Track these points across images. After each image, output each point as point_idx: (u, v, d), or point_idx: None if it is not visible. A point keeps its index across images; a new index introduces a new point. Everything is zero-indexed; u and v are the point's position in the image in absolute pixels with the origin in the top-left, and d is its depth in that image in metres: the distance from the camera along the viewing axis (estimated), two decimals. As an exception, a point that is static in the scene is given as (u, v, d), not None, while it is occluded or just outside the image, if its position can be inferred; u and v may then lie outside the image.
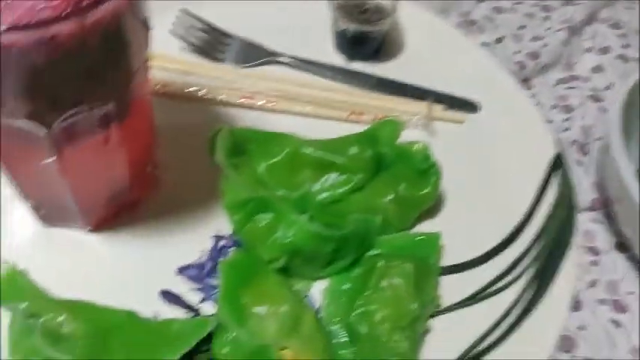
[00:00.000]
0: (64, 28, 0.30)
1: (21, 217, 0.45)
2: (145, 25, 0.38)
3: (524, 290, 0.45)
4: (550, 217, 0.49)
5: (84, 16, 0.31)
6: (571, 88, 0.58)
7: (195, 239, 0.45)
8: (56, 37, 0.30)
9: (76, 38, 0.31)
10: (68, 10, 0.30)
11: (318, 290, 0.44)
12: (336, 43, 0.57)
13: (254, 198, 0.42)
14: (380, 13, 0.55)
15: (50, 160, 0.37)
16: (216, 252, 0.45)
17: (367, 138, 0.48)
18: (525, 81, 0.59)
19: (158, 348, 0.38)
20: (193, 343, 0.38)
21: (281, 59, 0.56)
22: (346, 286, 0.44)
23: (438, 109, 0.54)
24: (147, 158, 0.46)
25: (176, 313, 0.43)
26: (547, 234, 0.48)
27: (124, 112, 0.38)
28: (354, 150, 0.47)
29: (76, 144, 0.37)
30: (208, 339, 0.40)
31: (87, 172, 0.41)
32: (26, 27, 0.30)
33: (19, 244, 0.44)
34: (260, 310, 0.40)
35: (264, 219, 0.43)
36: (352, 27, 0.54)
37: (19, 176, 0.41)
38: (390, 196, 0.46)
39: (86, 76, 0.34)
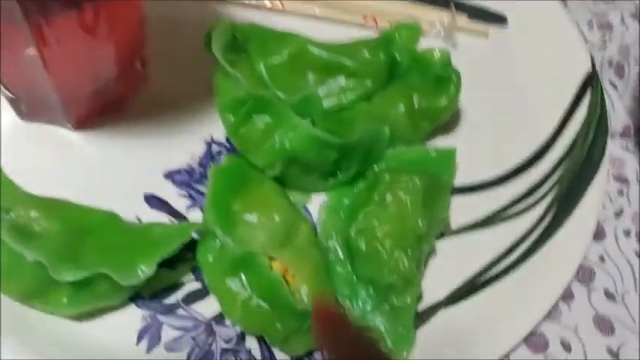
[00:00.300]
0: None
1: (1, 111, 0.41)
2: None
3: (543, 215, 0.41)
4: (578, 139, 0.44)
5: None
6: (610, 2, 0.52)
7: (185, 142, 0.42)
8: None
9: None
10: None
11: (316, 205, 0.41)
12: None
13: (251, 97, 0.38)
14: None
15: (29, 48, 0.33)
16: (208, 157, 0.41)
17: (381, 42, 0.43)
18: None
19: (136, 252, 0.35)
20: (174, 248, 0.35)
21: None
22: (347, 201, 0.40)
23: (462, 19, 0.49)
24: (135, 52, 0.41)
25: (161, 219, 0.39)
26: (573, 156, 0.43)
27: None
28: (365, 54, 0.42)
29: (58, 28, 0.33)
30: (193, 247, 0.37)
31: (70, 63, 0.36)
32: None
33: (-5, 137, 0.41)
34: (251, 217, 0.37)
35: (261, 121, 0.39)
36: None
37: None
38: (402, 106, 0.42)
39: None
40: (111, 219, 0.37)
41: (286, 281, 0.35)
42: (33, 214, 0.36)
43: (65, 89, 0.38)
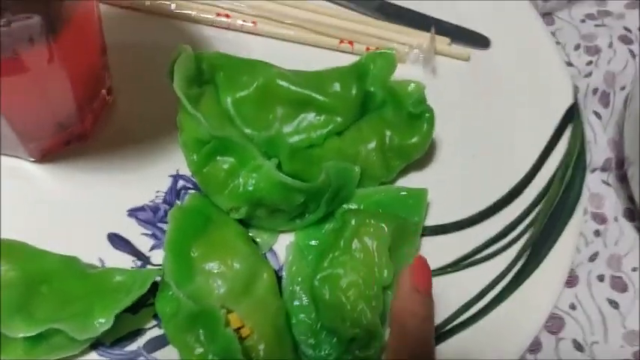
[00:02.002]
0: None
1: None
2: None
3: (516, 259, 0.40)
4: (555, 178, 0.43)
5: None
6: (600, 26, 0.50)
7: (150, 177, 0.40)
8: None
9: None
10: None
11: (282, 243, 0.40)
12: None
13: (214, 138, 0.37)
14: None
15: None
16: (174, 194, 0.40)
17: (355, 73, 0.41)
18: (547, 15, 0.51)
19: (94, 302, 0.34)
20: (132, 300, 0.34)
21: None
22: (314, 243, 0.39)
23: (443, 42, 0.47)
24: (96, 83, 0.40)
25: (124, 259, 0.38)
26: (550, 196, 0.42)
27: (57, 26, 0.32)
28: (336, 87, 0.40)
29: (5, 64, 0.32)
30: (156, 290, 0.36)
31: (23, 99, 0.35)
32: None
33: (-48, 170, 0.39)
34: (211, 266, 0.36)
35: (224, 161, 0.38)
36: None
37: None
38: (373, 143, 0.40)
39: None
40: (70, 264, 0.36)
41: (243, 337, 0.34)
42: (-13, 260, 0.35)
43: (21, 125, 0.37)
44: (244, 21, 0.45)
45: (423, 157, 0.42)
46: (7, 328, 0.32)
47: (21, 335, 0.32)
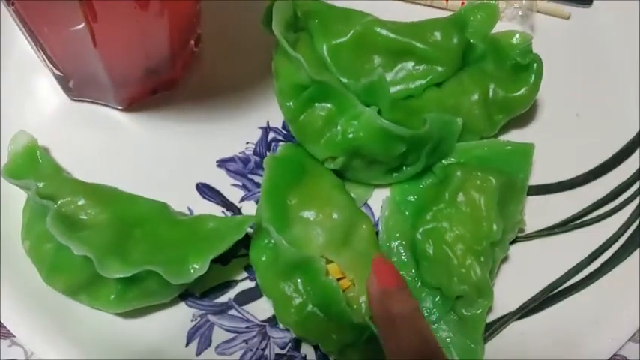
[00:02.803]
0: None
1: (47, 86, 0.39)
2: None
3: (628, 223, 0.38)
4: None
5: None
6: None
7: (240, 129, 0.39)
8: None
9: None
10: None
11: (377, 199, 0.38)
12: None
13: (314, 82, 0.35)
14: None
15: (79, 24, 0.31)
16: (264, 145, 0.39)
17: (455, 24, 0.39)
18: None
19: (188, 248, 0.32)
20: (226, 246, 0.32)
21: None
22: (412, 199, 0.37)
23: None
24: (190, 29, 0.39)
25: (213, 210, 0.37)
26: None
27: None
28: (437, 36, 0.38)
29: (110, 8, 0.30)
30: (247, 242, 0.35)
31: (122, 41, 0.34)
32: None
33: (42, 116, 0.38)
34: (308, 215, 0.34)
35: (322, 108, 0.36)
36: None
37: (46, 40, 0.34)
38: (476, 95, 0.38)
39: None
40: (161, 210, 0.35)
41: (343, 289, 0.32)
42: (81, 202, 0.34)
43: (115, 68, 0.36)
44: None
45: (524, 114, 0.40)
46: (104, 268, 0.30)
47: (117, 276, 0.30)
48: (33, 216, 0.34)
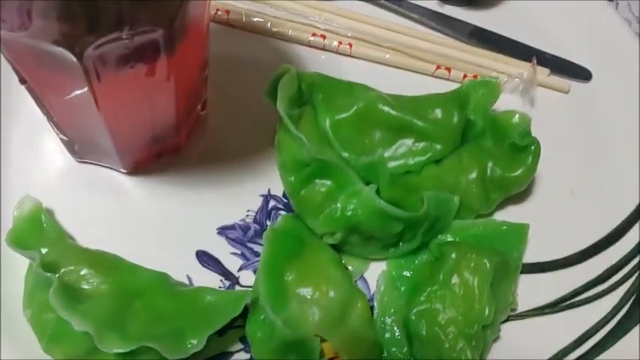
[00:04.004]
0: None
1: (53, 147, 0.40)
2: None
3: (620, 304, 0.38)
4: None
5: None
6: None
7: (241, 196, 0.40)
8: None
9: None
10: None
11: (373, 272, 0.38)
12: None
13: (314, 160, 0.36)
14: None
15: (83, 90, 0.31)
16: (265, 214, 0.39)
17: (455, 100, 0.40)
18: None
19: (186, 322, 0.33)
20: (224, 322, 0.33)
21: (365, -7, 0.48)
22: (408, 274, 0.38)
23: (542, 73, 0.45)
24: (197, 97, 0.40)
25: (211, 277, 0.37)
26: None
27: (174, 41, 0.31)
28: (437, 113, 0.39)
29: (115, 75, 0.31)
30: (244, 313, 0.35)
31: (127, 109, 0.35)
32: None
33: (48, 177, 0.39)
34: (305, 292, 0.35)
35: (323, 185, 0.37)
36: None
37: (51, 105, 0.35)
38: (474, 174, 0.39)
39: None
40: (161, 280, 0.35)
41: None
42: (83, 271, 0.34)
43: (120, 135, 0.36)
44: (340, 43, 0.44)
45: (523, 189, 0.40)
46: (103, 343, 0.31)
47: (115, 351, 0.31)
48: (35, 284, 0.34)
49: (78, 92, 0.32)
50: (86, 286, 0.34)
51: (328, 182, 0.36)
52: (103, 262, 0.35)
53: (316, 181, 0.37)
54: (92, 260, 0.35)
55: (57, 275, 0.33)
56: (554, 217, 0.41)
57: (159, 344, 0.32)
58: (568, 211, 0.41)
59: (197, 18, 0.33)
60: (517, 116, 0.39)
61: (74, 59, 0.29)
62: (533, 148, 0.38)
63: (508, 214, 0.40)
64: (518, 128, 0.39)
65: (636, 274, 0.39)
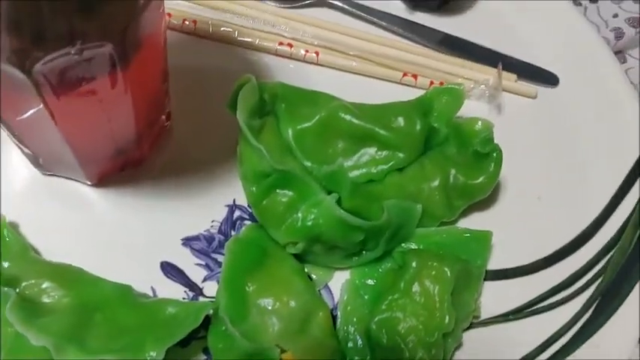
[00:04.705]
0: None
1: (18, 159, 0.40)
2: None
3: (582, 310, 0.38)
4: (628, 224, 0.41)
5: None
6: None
7: (206, 206, 0.40)
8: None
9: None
10: None
11: (337, 281, 0.38)
12: None
13: (275, 171, 0.36)
14: None
15: (39, 107, 0.32)
16: (230, 224, 0.40)
17: (419, 108, 0.40)
18: (618, 53, 0.50)
19: (146, 334, 0.33)
20: (183, 334, 0.33)
21: (332, 1, 0.48)
22: (371, 282, 0.38)
23: (509, 79, 0.45)
24: (159, 108, 0.40)
25: (176, 289, 0.38)
26: (622, 244, 0.40)
27: (128, 55, 0.32)
28: (400, 122, 0.39)
29: (69, 90, 0.31)
30: (207, 323, 0.35)
31: (85, 123, 0.35)
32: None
33: (13, 189, 0.39)
34: (265, 302, 0.35)
35: (284, 195, 0.37)
36: None
37: (11, 121, 0.35)
38: (436, 182, 0.39)
39: (76, 11, 0.27)
40: (123, 293, 0.36)
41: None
42: (45, 284, 0.34)
43: (81, 149, 0.36)
44: (307, 51, 0.45)
45: (486, 196, 0.40)
46: (60, 356, 0.31)
47: (73, 364, 0.31)
48: (-2, 298, 0.34)
49: (34, 109, 0.32)
50: (47, 300, 0.34)
51: (289, 192, 0.37)
52: (65, 275, 0.35)
53: (278, 191, 0.37)
54: (54, 273, 0.35)
55: (17, 289, 0.34)
56: (519, 223, 0.41)
57: (118, 357, 0.32)
58: (533, 217, 0.41)
59: (152, 31, 0.33)
60: (480, 123, 0.39)
61: (25, 76, 0.29)
62: (495, 155, 0.38)
63: (474, 221, 0.41)
64: (480, 135, 0.39)
65: (600, 279, 0.39)
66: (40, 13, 0.26)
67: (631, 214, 0.41)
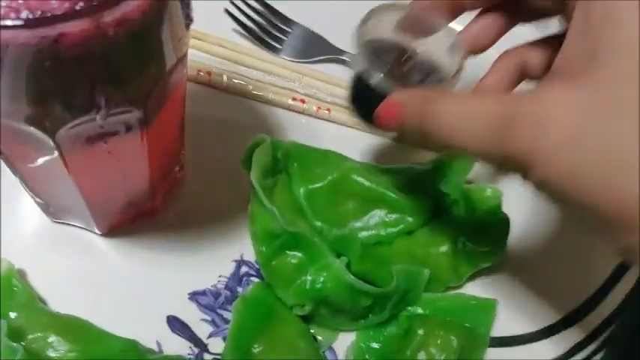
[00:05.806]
0: (74, 27, 0.24)
1: (28, 206, 0.40)
2: (187, 18, 0.32)
3: (584, 382, 0.38)
4: (632, 294, 0.41)
5: (100, 13, 0.25)
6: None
7: (214, 261, 0.40)
8: (64, 37, 0.24)
9: (90, 39, 0.25)
10: (81, 5, 0.24)
11: (342, 342, 0.38)
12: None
13: (286, 232, 0.36)
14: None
15: (55, 162, 0.32)
16: (236, 280, 0.40)
17: (430, 173, 0.41)
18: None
19: (150, 393, 0.33)
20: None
21: (346, 58, 0.48)
22: (377, 345, 0.38)
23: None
24: (174, 160, 0.40)
25: (181, 344, 0.37)
26: (628, 315, 0.40)
27: (152, 116, 0.32)
28: (411, 186, 0.40)
29: (89, 149, 0.32)
30: (211, 382, 0.35)
31: (100, 178, 0.35)
32: (26, 23, 0.24)
33: (23, 237, 0.39)
34: (271, 365, 0.35)
35: (294, 257, 0.37)
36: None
37: (24, 172, 0.36)
38: (445, 247, 0.39)
39: (103, 80, 0.27)
40: (130, 349, 0.35)
41: None
42: (51, 338, 0.34)
43: (94, 201, 0.37)
44: (319, 107, 0.45)
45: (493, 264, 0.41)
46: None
47: None
48: (4, 352, 0.34)
49: (50, 162, 0.32)
50: (53, 354, 0.34)
51: (299, 254, 0.37)
52: (72, 329, 0.35)
53: (287, 252, 0.37)
54: (61, 327, 0.35)
55: (23, 344, 0.34)
56: (524, 291, 0.41)
57: (122, 418, 0.32)
58: (537, 285, 0.41)
59: (175, 89, 0.34)
60: (489, 191, 0.40)
61: (47, 137, 0.29)
62: (503, 223, 0.39)
63: (479, 285, 0.41)
64: (489, 203, 0.39)
65: (603, 350, 0.39)
66: (67, 85, 0.26)
67: (635, 285, 0.41)
